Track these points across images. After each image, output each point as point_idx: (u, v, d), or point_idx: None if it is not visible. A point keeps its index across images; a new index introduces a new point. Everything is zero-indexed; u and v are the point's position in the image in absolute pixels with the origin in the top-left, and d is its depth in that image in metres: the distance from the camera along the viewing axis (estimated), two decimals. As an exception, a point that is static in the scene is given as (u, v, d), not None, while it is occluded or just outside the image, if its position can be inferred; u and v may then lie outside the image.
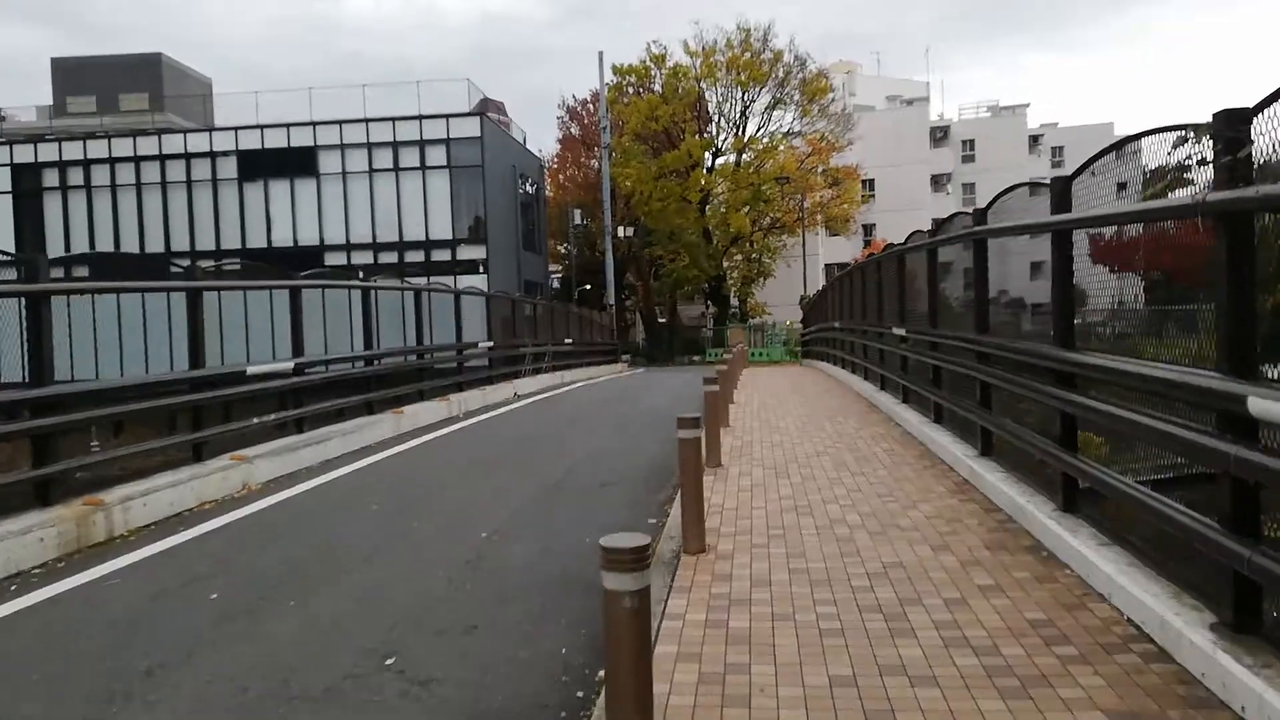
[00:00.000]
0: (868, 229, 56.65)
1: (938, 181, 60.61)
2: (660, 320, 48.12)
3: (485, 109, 34.45)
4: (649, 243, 42.76)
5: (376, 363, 11.97)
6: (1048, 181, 5.20)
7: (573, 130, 51.01)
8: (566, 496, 7.38)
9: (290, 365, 9.34)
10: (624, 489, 7.48)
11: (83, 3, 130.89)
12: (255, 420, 8.66)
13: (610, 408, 14.61)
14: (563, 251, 49.95)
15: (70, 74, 42.00)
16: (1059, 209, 4.99)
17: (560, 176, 54.28)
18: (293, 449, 8.73)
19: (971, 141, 63.28)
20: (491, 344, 16.73)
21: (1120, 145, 4.45)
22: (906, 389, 10.04)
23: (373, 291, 11.75)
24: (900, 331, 9.94)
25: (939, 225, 8.72)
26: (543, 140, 70.43)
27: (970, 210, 7.16)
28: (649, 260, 44.00)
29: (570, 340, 23.91)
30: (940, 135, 62.69)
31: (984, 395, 6.68)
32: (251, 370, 8.59)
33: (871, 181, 53.78)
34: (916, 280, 9.51)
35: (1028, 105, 68.90)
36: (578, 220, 46.08)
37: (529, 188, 38.41)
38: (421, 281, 14.84)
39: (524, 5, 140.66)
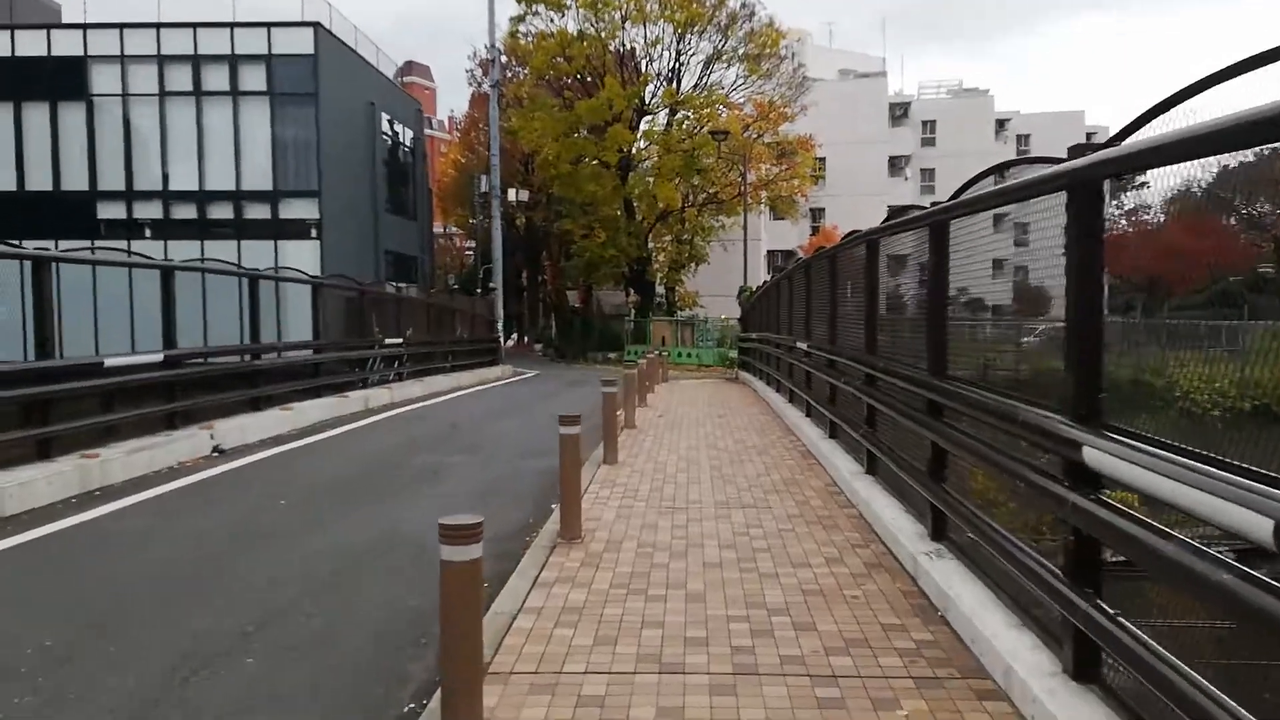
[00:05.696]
0: (816, 213, 50.20)
1: (895, 165, 54.05)
2: (573, 309, 40.56)
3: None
4: (559, 213, 35.00)
5: None
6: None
7: (484, 87, 43.02)
8: None
9: None
10: None
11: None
12: None
13: (307, 537, 6.90)
14: (473, 225, 42.57)
15: None
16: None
17: (471, 136, 47.28)
18: None
19: (933, 123, 56.91)
20: (163, 357, 8.90)
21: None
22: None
23: None
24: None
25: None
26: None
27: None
28: (559, 237, 36.24)
29: (400, 340, 16.08)
30: (899, 113, 56.13)
31: None
32: None
33: (822, 160, 46.92)
34: None
35: (989, 91, 62.28)
36: (484, 187, 38.03)
37: (401, 135, 30.16)
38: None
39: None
